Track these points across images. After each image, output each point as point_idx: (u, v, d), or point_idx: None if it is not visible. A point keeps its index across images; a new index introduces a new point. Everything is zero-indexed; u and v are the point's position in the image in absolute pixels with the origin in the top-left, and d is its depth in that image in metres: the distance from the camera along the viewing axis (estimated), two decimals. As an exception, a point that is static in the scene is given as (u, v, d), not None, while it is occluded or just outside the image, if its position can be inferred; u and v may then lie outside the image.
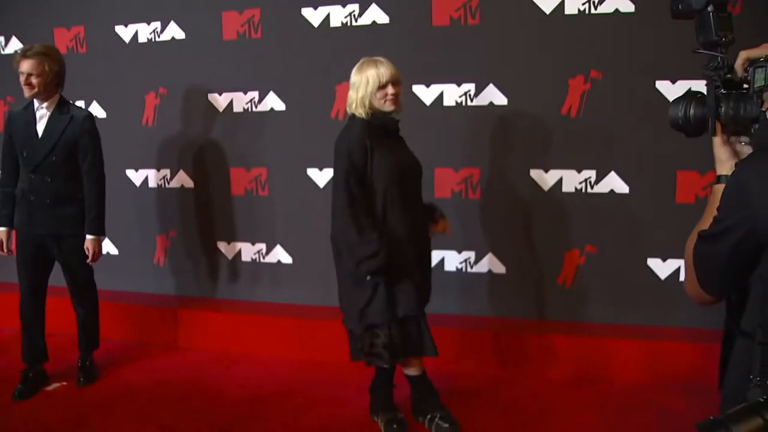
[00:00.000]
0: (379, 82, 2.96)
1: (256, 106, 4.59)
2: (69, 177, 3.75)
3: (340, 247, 3.04)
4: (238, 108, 4.64)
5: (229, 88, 4.64)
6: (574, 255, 4.16)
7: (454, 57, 4.15)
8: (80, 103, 4.77)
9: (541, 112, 4.05)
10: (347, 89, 3.11)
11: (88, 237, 3.77)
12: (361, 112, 3.00)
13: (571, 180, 4.08)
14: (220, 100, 4.69)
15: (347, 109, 3.09)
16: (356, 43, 4.19)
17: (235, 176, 4.73)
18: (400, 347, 3.08)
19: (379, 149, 2.97)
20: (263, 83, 4.56)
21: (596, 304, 4.16)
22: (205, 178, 4.82)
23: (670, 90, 3.82)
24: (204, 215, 4.88)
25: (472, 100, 4.14)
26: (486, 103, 4.12)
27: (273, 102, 4.57)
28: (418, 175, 3.18)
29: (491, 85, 4.11)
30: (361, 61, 3.06)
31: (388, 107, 3.00)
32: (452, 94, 4.19)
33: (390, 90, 2.97)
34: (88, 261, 3.81)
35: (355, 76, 3.03)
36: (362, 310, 3.04)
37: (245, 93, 4.61)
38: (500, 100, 4.11)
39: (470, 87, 4.14)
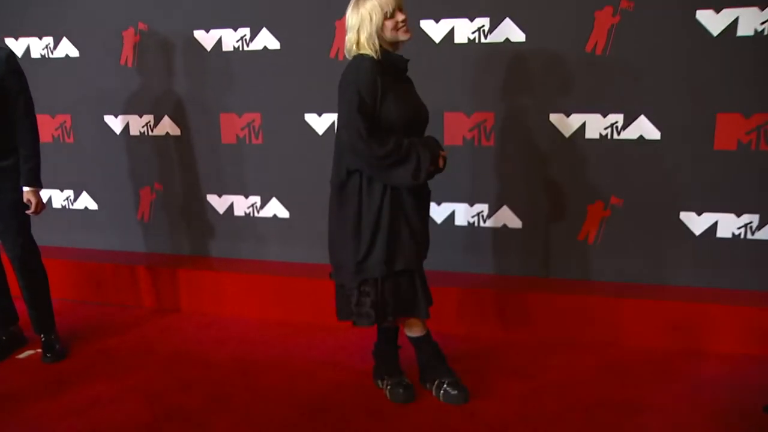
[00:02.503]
0: (385, 12, 2.81)
1: (247, 45, 4.41)
2: None
3: (379, 172, 2.89)
4: (227, 47, 4.46)
5: (216, 24, 4.44)
6: (597, 208, 4.02)
7: None
8: (47, 41, 4.74)
9: (563, 50, 3.87)
10: (348, 27, 2.96)
11: (26, 189, 3.56)
12: (370, 52, 2.84)
13: (596, 125, 3.90)
14: (207, 38, 4.49)
15: (346, 54, 2.94)
16: None
17: (225, 122, 4.58)
18: (390, 306, 3.00)
19: (389, 92, 2.84)
20: (255, 19, 4.36)
21: (622, 262, 4.04)
22: (192, 125, 4.67)
23: (713, 21, 3.61)
24: (192, 166, 4.74)
25: (486, 37, 3.96)
26: (501, 39, 3.94)
27: (266, 40, 4.37)
28: (425, 122, 3.05)
29: (507, 20, 3.92)
30: None
31: (403, 36, 2.87)
32: (464, 30, 3.99)
33: (399, 16, 2.83)
34: (30, 212, 3.59)
35: (352, 17, 2.86)
36: (360, 262, 2.95)
37: (235, 30, 4.42)
38: (517, 36, 3.92)
39: (484, 22, 3.94)
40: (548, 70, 3.91)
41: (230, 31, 4.42)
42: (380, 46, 2.84)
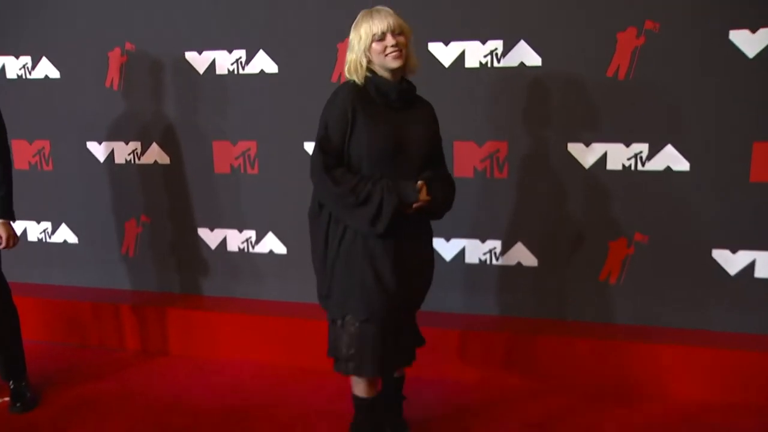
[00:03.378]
0: (374, 35, 2.68)
1: (243, 68, 4.30)
2: None
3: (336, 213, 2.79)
4: (221, 69, 4.34)
5: (210, 46, 4.34)
6: (620, 245, 3.89)
7: (477, 8, 3.85)
8: (25, 60, 4.62)
9: (582, 74, 3.76)
10: (351, 48, 2.87)
11: None
12: (354, 77, 2.76)
13: (618, 155, 3.78)
14: (199, 60, 4.37)
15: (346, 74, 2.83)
16: None
17: (219, 151, 4.46)
18: (355, 356, 2.84)
19: (366, 121, 2.70)
20: (251, 40, 4.25)
21: (647, 304, 3.90)
22: (183, 153, 4.54)
23: (749, 42, 3.49)
24: (182, 197, 4.60)
25: (499, 61, 3.86)
26: (516, 63, 3.84)
27: (263, 63, 4.26)
28: (418, 155, 2.80)
29: (522, 42, 3.82)
30: (358, 15, 2.80)
31: (392, 62, 2.68)
32: (476, 53, 3.89)
33: (389, 40, 2.67)
34: (1, 247, 3.40)
35: (351, 34, 2.78)
36: (325, 297, 2.89)
37: (230, 52, 4.31)
38: (533, 59, 3.82)
39: (497, 45, 3.85)
40: (566, 96, 3.80)
41: (224, 52, 4.31)
42: (370, 70, 2.75)
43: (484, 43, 3.85)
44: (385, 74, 2.72)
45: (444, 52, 3.92)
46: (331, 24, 4.02)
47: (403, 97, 2.76)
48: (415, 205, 2.68)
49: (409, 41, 2.73)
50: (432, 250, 2.95)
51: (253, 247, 4.53)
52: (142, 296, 4.63)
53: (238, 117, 4.36)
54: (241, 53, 4.26)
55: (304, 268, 4.23)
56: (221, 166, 4.46)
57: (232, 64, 4.30)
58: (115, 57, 4.49)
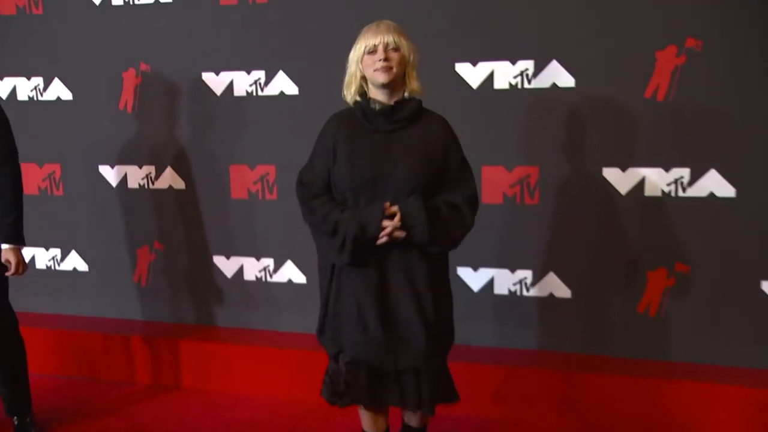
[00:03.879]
0: (365, 47, 2.61)
1: (262, 89, 4.25)
2: None
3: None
4: (239, 91, 4.29)
5: (228, 66, 4.30)
6: (660, 276, 3.76)
7: (506, 26, 3.78)
8: (37, 81, 4.58)
9: (619, 95, 3.67)
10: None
11: (5, 247, 3.31)
12: (347, 93, 2.73)
13: (657, 180, 3.68)
14: (216, 81, 4.33)
15: None
16: (390, 3, 3.80)
17: (236, 175, 4.40)
18: (349, 391, 2.74)
19: (345, 150, 2.64)
20: (271, 60, 4.21)
21: (690, 339, 3.76)
22: (198, 178, 4.49)
23: None
24: (197, 223, 4.55)
25: (530, 82, 3.80)
26: (548, 84, 3.77)
27: (283, 84, 4.21)
28: (402, 180, 2.61)
29: (554, 62, 3.75)
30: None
31: (378, 76, 2.58)
32: (505, 74, 3.83)
33: (380, 54, 2.58)
34: (9, 274, 3.33)
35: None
36: (319, 331, 2.85)
37: (248, 72, 4.26)
38: (566, 80, 3.75)
39: (528, 65, 3.78)
40: (601, 118, 3.72)
41: (243, 73, 4.27)
42: (363, 88, 2.70)
43: (514, 63, 3.79)
44: (379, 93, 2.63)
45: (472, 73, 3.86)
46: (353, 43, 3.89)
47: (391, 120, 2.64)
48: (382, 235, 2.52)
49: (409, 61, 2.64)
50: (437, 290, 2.68)
51: (271, 276, 4.46)
52: (155, 327, 4.55)
53: (257, 140, 4.31)
54: (260, 74, 4.23)
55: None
56: (238, 192, 4.40)
57: (250, 85, 4.27)
58: (129, 78, 4.47)
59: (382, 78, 2.56)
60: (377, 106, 2.62)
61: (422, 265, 2.60)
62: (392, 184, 2.59)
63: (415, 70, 2.65)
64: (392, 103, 2.62)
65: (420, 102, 2.66)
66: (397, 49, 2.58)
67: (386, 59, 2.56)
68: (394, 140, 2.64)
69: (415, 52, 2.65)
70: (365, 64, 2.60)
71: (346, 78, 2.70)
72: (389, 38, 2.57)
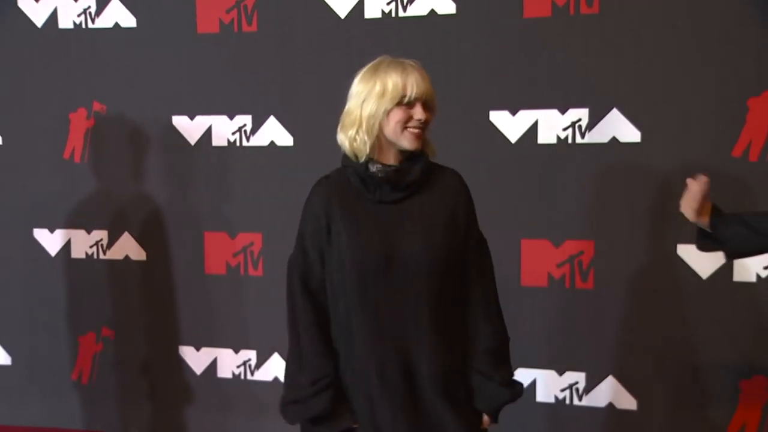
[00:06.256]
0: (403, 96, 2.14)
1: (247, 138, 3.95)
2: None
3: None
4: (219, 140, 3.99)
5: (205, 109, 3.99)
6: (757, 386, 3.32)
7: (554, 66, 3.50)
8: None
9: (697, 153, 3.34)
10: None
11: None
12: (349, 148, 2.24)
13: (749, 261, 3.20)
14: (191, 128, 4.03)
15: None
16: (402, 40, 3.59)
17: (212, 245, 4.08)
18: None
19: (349, 229, 2.25)
20: (259, 104, 3.93)
21: None
22: (164, 247, 4.15)
23: None
24: (160, 305, 4.18)
25: (583, 136, 3.50)
26: (606, 139, 3.46)
27: (274, 132, 3.92)
28: (415, 269, 2.25)
29: (614, 111, 3.44)
30: (375, 61, 2.31)
31: (408, 143, 2.18)
32: (552, 124, 3.54)
33: (418, 113, 2.15)
34: None
35: (359, 84, 2.25)
36: None
37: (231, 117, 3.95)
38: (629, 134, 3.43)
39: (581, 114, 3.49)
40: (674, 181, 3.22)
41: (224, 118, 3.97)
42: (373, 146, 2.25)
43: (563, 111, 3.51)
44: (390, 155, 2.26)
45: (510, 124, 3.58)
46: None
47: (399, 188, 2.28)
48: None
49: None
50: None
51: (252, 373, 4.12)
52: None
53: (239, 202, 4.02)
54: (245, 120, 3.95)
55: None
56: (215, 266, 4.10)
57: (233, 133, 3.98)
58: (79, 120, 4.14)
59: (412, 145, 2.17)
60: (378, 170, 2.19)
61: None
62: (408, 265, 2.24)
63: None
64: (395, 163, 2.20)
65: (427, 156, 2.25)
66: (431, 108, 2.23)
67: (423, 121, 2.19)
68: (405, 209, 2.25)
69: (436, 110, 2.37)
70: (392, 116, 2.17)
71: (352, 130, 2.24)
72: (428, 90, 2.18)
